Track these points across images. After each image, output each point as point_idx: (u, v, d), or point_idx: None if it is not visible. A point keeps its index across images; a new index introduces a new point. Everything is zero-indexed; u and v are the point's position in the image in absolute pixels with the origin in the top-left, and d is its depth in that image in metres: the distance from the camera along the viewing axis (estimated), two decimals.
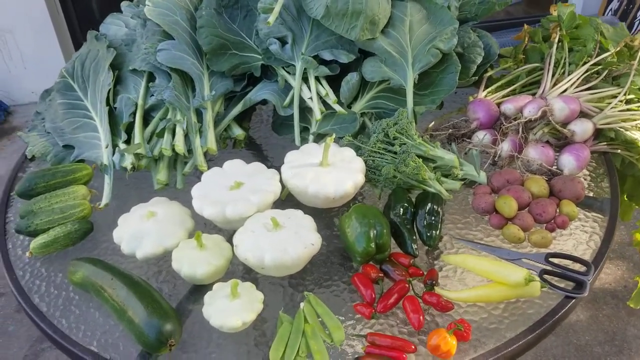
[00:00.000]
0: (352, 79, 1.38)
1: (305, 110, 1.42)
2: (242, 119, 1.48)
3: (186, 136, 1.33)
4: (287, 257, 1.04)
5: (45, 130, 1.52)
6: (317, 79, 1.40)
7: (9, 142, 3.50)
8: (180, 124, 1.32)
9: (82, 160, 1.40)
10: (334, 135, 1.21)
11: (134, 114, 1.38)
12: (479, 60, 1.42)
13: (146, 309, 0.97)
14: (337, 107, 1.36)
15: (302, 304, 1.04)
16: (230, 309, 0.99)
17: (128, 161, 1.28)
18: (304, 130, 1.41)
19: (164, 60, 1.37)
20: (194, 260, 1.07)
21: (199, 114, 1.37)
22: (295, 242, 1.07)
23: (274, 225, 1.08)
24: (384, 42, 1.35)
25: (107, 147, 1.37)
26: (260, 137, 1.55)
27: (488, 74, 1.52)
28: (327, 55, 1.39)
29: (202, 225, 1.22)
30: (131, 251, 1.13)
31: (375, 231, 1.08)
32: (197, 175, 1.38)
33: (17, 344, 2.22)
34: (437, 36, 1.33)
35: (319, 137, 1.39)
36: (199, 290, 1.11)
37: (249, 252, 1.05)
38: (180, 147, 1.28)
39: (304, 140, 1.39)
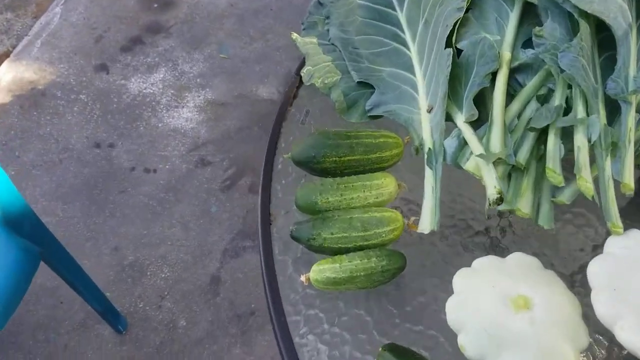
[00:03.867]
0: None
1: None
2: None
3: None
4: None
5: (329, 38, 1.02)
6: None
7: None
8: (583, 127, 0.75)
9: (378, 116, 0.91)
10: None
11: (492, 74, 0.83)
12: None
13: None
14: None
15: None
16: None
17: (491, 183, 0.75)
18: None
19: None
20: None
21: (611, 109, 0.78)
22: None
23: None
24: None
25: (429, 112, 0.86)
26: None
27: None
28: None
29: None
30: (479, 357, 0.67)
31: None
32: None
33: (218, 232, 1.99)
34: None
35: None
36: None
37: None
38: (589, 186, 0.71)
39: None
